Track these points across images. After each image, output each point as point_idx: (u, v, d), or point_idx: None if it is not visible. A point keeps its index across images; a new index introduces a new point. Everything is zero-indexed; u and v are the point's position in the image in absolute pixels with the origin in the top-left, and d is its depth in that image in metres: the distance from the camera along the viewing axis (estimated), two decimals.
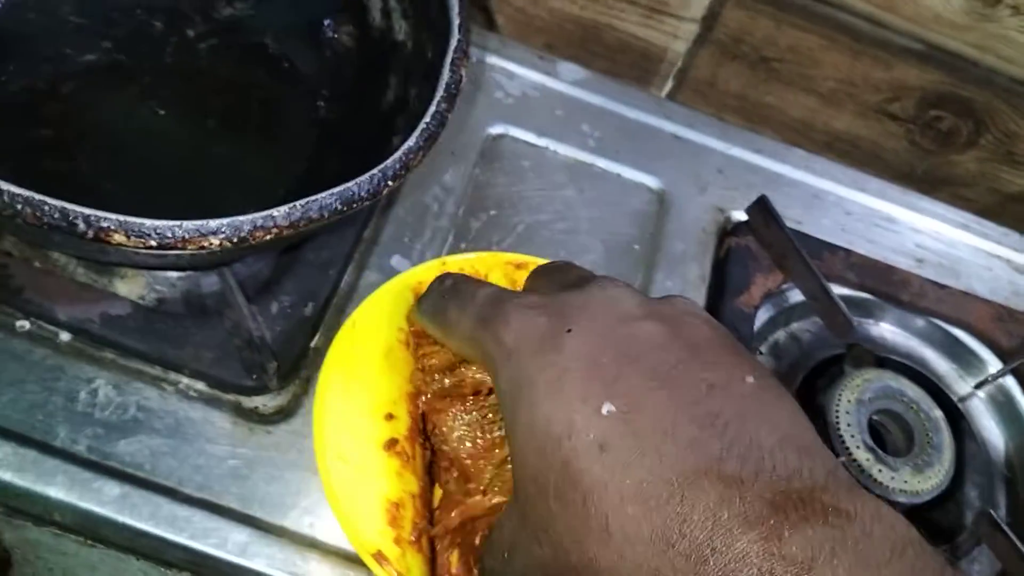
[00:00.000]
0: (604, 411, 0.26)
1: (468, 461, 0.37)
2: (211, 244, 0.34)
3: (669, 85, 0.76)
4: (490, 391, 0.38)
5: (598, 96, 0.62)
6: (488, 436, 0.37)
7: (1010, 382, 0.57)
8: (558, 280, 0.34)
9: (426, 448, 0.41)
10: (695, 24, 0.69)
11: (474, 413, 0.38)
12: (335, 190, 0.36)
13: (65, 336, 0.44)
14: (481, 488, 0.37)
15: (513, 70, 0.61)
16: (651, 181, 0.59)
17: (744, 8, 0.67)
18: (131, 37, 0.50)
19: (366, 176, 0.37)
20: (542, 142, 0.59)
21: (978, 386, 0.57)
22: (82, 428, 0.41)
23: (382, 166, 0.38)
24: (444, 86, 0.41)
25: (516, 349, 0.29)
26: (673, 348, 0.28)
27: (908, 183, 0.77)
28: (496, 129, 0.58)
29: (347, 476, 0.38)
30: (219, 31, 0.51)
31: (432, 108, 0.40)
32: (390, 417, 0.39)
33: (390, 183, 0.38)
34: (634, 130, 0.61)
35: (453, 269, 0.44)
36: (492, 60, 0.61)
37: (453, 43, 0.43)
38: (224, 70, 0.51)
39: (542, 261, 0.45)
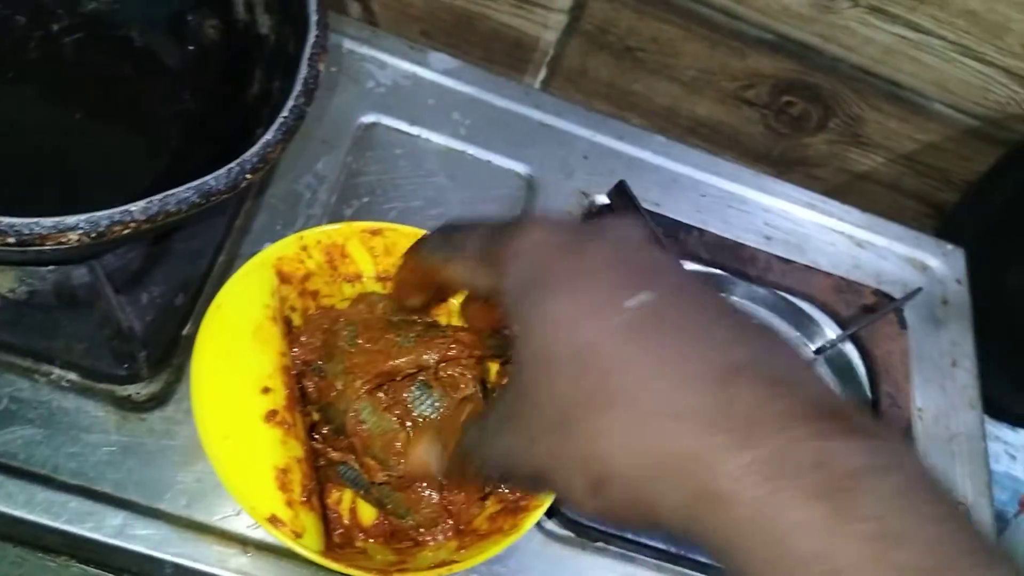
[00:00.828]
0: (629, 303, 0.26)
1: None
2: (69, 240, 0.36)
3: (543, 74, 0.79)
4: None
5: (469, 85, 0.64)
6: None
7: (849, 349, 0.63)
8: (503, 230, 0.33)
9: (306, 414, 0.43)
10: (563, 15, 0.72)
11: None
12: (192, 184, 0.38)
13: None
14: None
15: (385, 60, 0.63)
16: (520, 167, 0.62)
17: (608, 0, 0.71)
18: None
19: (224, 170, 0.39)
20: (414, 130, 0.61)
21: (818, 351, 0.62)
22: None
23: (240, 159, 0.39)
24: (302, 80, 0.43)
25: (532, 251, 0.29)
26: (686, 275, 0.29)
27: (765, 165, 0.82)
28: (369, 118, 0.60)
29: (233, 451, 0.40)
30: (84, 25, 0.52)
31: (290, 102, 0.42)
32: (266, 390, 0.42)
33: (248, 176, 0.40)
34: (504, 118, 0.64)
35: (311, 241, 0.47)
36: (364, 50, 0.63)
37: (311, 38, 0.44)
38: (90, 64, 0.51)
39: (397, 226, 0.48)
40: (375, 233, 0.48)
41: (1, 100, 0.49)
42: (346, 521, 0.44)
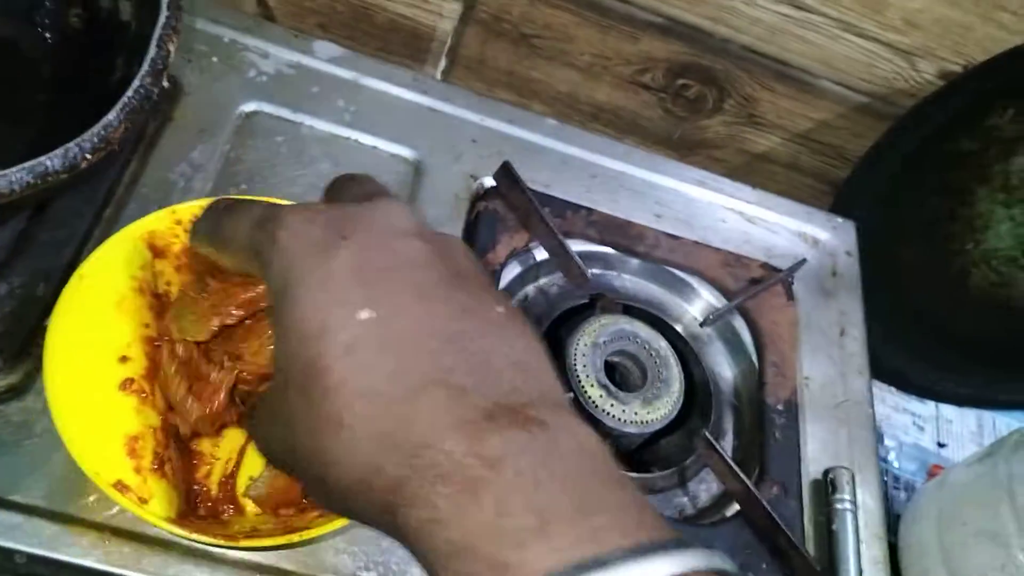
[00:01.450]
0: (360, 316, 0.27)
1: None
2: None
3: (443, 64, 0.79)
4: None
5: (354, 72, 0.64)
6: None
7: (739, 322, 0.64)
8: (351, 192, 0.34)
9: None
10: (458, 3, 0.73)
11: None
12: (26, 164, 0.37)
13: None
14: None
15: (268, 49, 0.63)
16: (407, 152, 0.62)
17: None
18: None
19: (60, 149, 0.38)
20: (297, 118, 0.61)
21: (704, 323, 0.63)
22: None
23: (78, 139, 0.39)
24: (150, 61, 0.43)
25: (288, 248, 0.29)
26: (436, 268, 0.29)
27: (667, 149, 0.83)
28: (249, 107, 0.60)
29: (81, 417, 0.39)
30: None
31: (136, 83, 0.42)
32: (124, 359, 0.42)
33: (88, 156, 0.39)
34: (392, 104, 0.64)
35: (185, 215, 0.46)
36: (246, 40, 0.62)
37: (161, 19, 0.44)
38: None
39: (273, 199, 0.48)
40: None
41: None
42: (214, 494, 0.43)
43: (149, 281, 0.45)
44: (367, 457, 0.26)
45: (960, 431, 0.87)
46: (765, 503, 0.51)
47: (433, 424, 0.25)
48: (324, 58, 0.64)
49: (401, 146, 0.62)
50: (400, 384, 0.26)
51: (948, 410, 0.87)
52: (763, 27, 0.71)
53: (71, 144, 0.39)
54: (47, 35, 0.51)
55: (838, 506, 0.55)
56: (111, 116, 0.40)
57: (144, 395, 0.41)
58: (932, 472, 0.83)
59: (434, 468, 0.24)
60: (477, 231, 0.60)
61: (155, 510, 0.39)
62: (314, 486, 0.28)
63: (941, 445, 0.86)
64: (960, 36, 0.70)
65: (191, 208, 0.47)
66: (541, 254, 0.61)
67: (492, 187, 0.62)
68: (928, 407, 0.87)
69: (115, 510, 0.43)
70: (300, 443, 0.28)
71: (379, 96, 0.64)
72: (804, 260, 0.64)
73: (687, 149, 0.83)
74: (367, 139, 0.62)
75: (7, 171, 0.37)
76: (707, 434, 0.54)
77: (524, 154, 0.65)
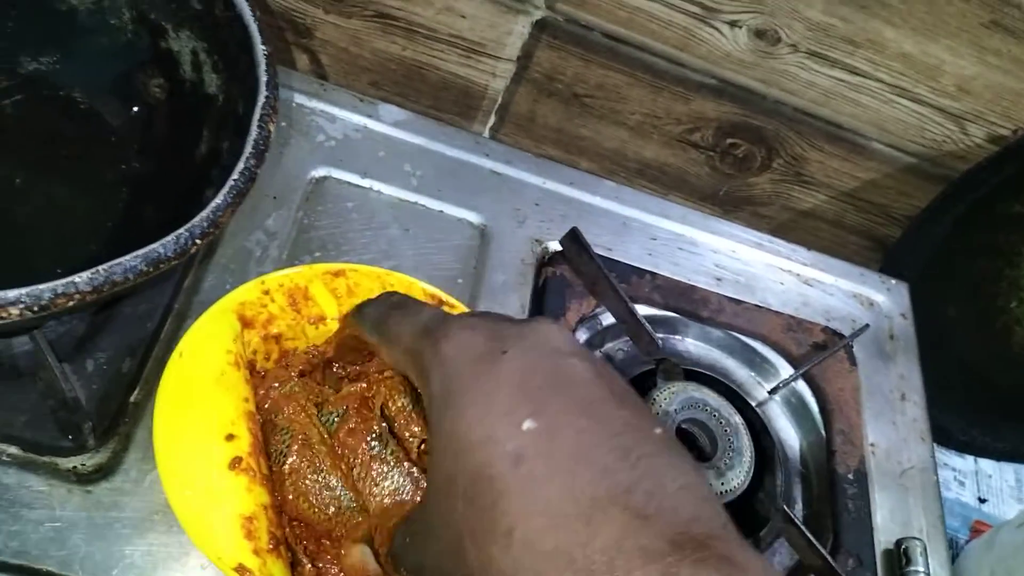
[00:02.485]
0: (525, 427, 0.27)
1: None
2: (10, 315, 0.35)
3: (492, 120, 0.79)
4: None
5: (419, 136, 0.64)
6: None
7: (802, 386, 0.64)
8: (413, 314, 0.35)
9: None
10: (512, 63, 0.73)
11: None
12: (139, 252, 0.37)
13: None
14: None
15: (334, 113, 0.63)
16: (473, 216, 0.62)
17: (554, 49, 0.72)
18: None
19: (172, 236, 0.38)
20: (366, 183, 0.60)
21: (773, 391, 0.63)
22: None
23: (189, 225, 0.39)
24: (252, 143, 0.43)
25: (453, 359, 0.30)
26: (597, 385, 0.29)
27: (712, 205, 0.83)
28: (319, 172, 0.60)
29: (196, 500, 0.39)
30: (25, 86, 0.51)
31: (240, 165, 0.42)
32: (231, 437, 0.41)
33: (198, 242, 0.39)
34: (455, 168, 0.64)
35: (273, 285, 0.47)
36: (313, 104, 0.62)
37: (261, 99, 0.44)
38: (32, 125, 0.50)
39: (359, 267, 0.48)
40: (337, 274, 0.48)
41: None
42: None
43: (242, 354, 0.45)
44: (540, 573, 0.25)
45: (999, 486, 0.87)
46: None
47: (617, 549, 0.25)
48: (389, 122, 0.64)
49: (466, 210, 0.62)
50: (575, 499, 0.26)
51: (987, 465, 0.88)
52: (817, 90, 0.71)
53: (182, 231, 0.38)
54: (131, 107, 0.51)
55: None
56: (219, 199, 0.40)
57: (253, 473, 0.41)
58: (974, 528, 0.83)
59: None
60: (546, 297, 0.59)
61: None
62: None
63: (982, 500, 0.86)
64: (1011, 102, 0.71)
65: (278, 279, 0.47)
66: (607, 319, 0.61)
67: (558, 252, 0.62)
68: (967, 462, 0.88)
69: None
70: (464, 554, 0.27)
71: (443, 160, 0.64)
72: (867, 326, 0.64)
73: (732, 205, 0.83)
74: (434, 204, 0.62)
75: (121, 260, 0.37)
76: (785, 508, 0.53)
77: (585, 217, 0.65)
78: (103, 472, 0.44)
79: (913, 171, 0.77)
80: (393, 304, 0.35)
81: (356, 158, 0.61)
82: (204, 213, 0.39)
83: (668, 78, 0.73)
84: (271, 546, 0.39)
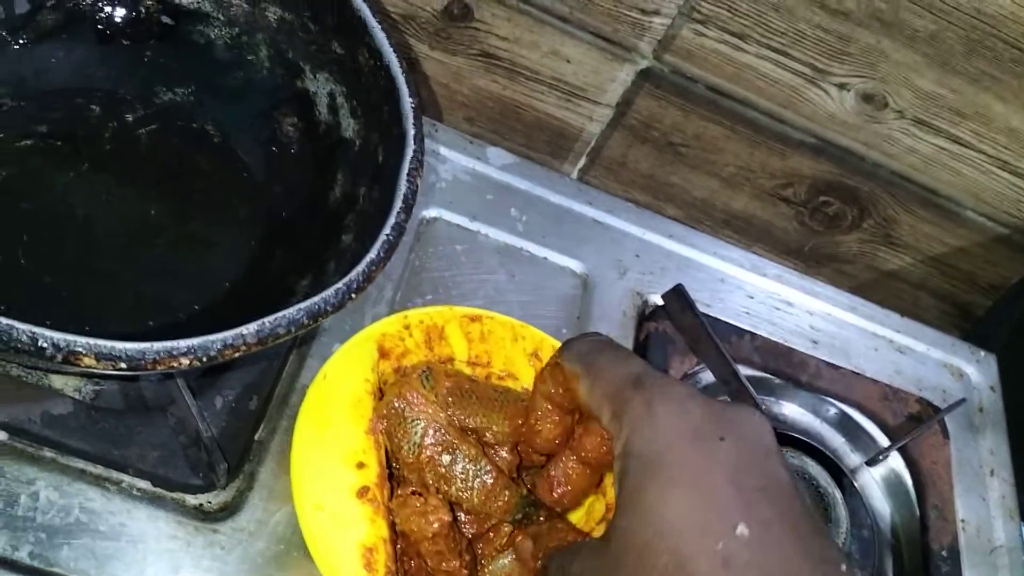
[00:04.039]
0: (739, 531, 0.27)
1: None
2: (181, 364, 0.35)
3: (582, 162, 0.80)
4: None
5: (525, 180, 0.64)
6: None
7: (896, 458, 0.63)
8: (617, 364, 0.35)
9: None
10: (610, 109, 0.73)
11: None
12: (302, 306, 0.37)
13: (2, 436, 0.42)
14: None
15: (445, 154, 0.63)
16: (575, 265, 0.62)
17: (655, 98, 0.72)
18: (68, 121, 0.49)
19: (331, 290, 0.38)
20: (474, 226, 0.61)
21: (869, 463, 0.62)
22: (24, 533, 0.40)
23: (347, 279, 0.39)
24: (401, 197, 0.43)
25: (667, 425, 0.30)
26: (799, 502, 0.29)
27: (796, 258, 0.83)
28: (430, 212, 0.60)
29: (324, 524, 0.40)
30: (159, 116, 0.51)
31: (392, 219, 0.42)
32: (361, 465, 0.42)
33: (353, 296, 0.39)
34: (558, 214, 0.64)
35: (414, 321, 0.48)
36: (427, 145, 0.63)
37: (409, 153, 0.44)
38: (166, 156, 0.51)
39: (495, 315, 0.49)
40: (474, 319, 0.49)
41: (75, 193, 0.48)
42: None
43: (376, 383, 0.45)
44: None
45: None
46: None
47: None
48: (497, 165, 0.64)
49: (569, 258, 0.62)
50: None
51: None
52: (918, 157, 0.71)
53: (340, 284, 0.39)
54: (265, 144, 0.52)
55: None
56: (374, 255, 0.40)
57: (377, 505, 0.41)
58: None
59: None
60: (648, 353, 0.59)
61: None
62: None
63: None
64: None
65: (419, 315, 0.48)
66: (707, 377, 0.61)
67: (659, 306, 0.62)
68: None
69: None
70: None
71: (546, 205, 0.65)
72: (963, 400, 0.64)
73: (815, 261, 0.83)
74: (538, 250, 0.62)
75: (284, 313, 0.37)
76: None
77: (684, 270, 0.65)
78: (228, 511, 0.45)
79: (1005, 242, 0.76)
80: (604, 344, 0.35)
81: (465, 200, 0.61)
82: (360, 268, 0.39)
83: (767, 133, 0.72)
84: None
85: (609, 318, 0.61)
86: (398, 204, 0.42)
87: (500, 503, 0.43)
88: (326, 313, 0.38)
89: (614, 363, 0.34)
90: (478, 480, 0.43)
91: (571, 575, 0.32)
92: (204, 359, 0.35)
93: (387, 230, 0.41)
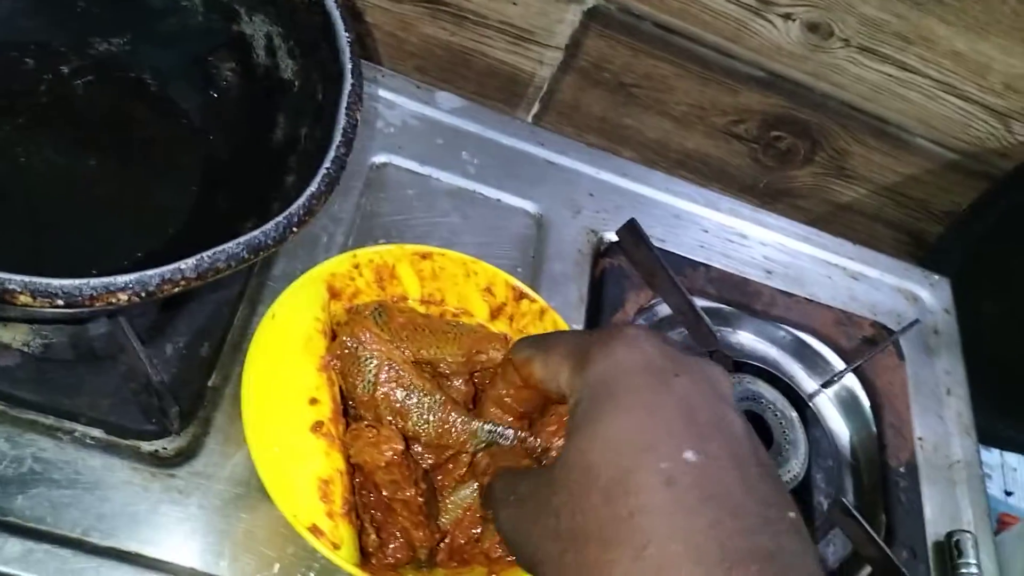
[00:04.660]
0: (686, 455, 0.27)
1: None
2: (119, 300, 0.35)
3: (536, 108, 0.79)
4: None
5: (475, 124, 0.64)
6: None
7: (852, 380, 0.64)
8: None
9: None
10: (559, 52, 0.73)
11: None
12: (242, 240, 0.37)
13: None
14: None
15: (393, 100, 0.63)
16: (529, 206, 0.62)
17: (604, 38, 0.71)
18: (1, 75, 0.48)
19: (271, 224, 0.38)
20: (425, 170, 0.61)
21: (825, 385, 0.63)
22: None
23: (287, 213, 0.39)
24: (341, 131, 0.42)
25: (625, 359, 0.30)
26: (748, 447, 0.29)
27: (751, 196, 0.84)
28: (380, 158, 0.60)
29: (278, 459, 0.40)
30: (95, 68, 0.50)
31: (331, 153, 0.41)
32: (314, 402, 0.42)
33: (295, 229, 0.39)
34: (510, 156, 0.64)
35: (363, 260, 0.48)
36: (372, 90, 0.62)
37: (347, 87, 0.44)
38: (103, 108, 0.50)
39: (446, 251, 0.49)
40: (424, 257, 0.49)
41: (12, 147, 0.47)
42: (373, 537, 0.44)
43: (328, 323, 0.45)
44: None
45: None
46: (903, 569, 0.52)
47: None
48: (446, 109, 0.64)
49: (523, 199, 0.62)
50: (720, 543, 0.26)
51: (1012, 458, 0.89)
52: (866, 85, 0.72)
53: (280, 218, 0.38)
54: (203, 91, 0.51)
55: (964, 571, 0.55)
56: (314, 187, 0.40)
57: (332, 438, 0.42)
58: (1001, 520, 0.84)
59: None
60: (604, 288, 0.60)
61: (345, 556, 0.39)
62: None
63: (1008, 493, 0.87)
64: None
65: (368, 254, 0.48)
66: (663, 310, 0.62)
67: (614, 243, 0.62)
68: (993, 455, 0.88)
69: None
70: (577, 544, 0.27)
71: (498, 148, 0.64)
72: (917, 321, 0.65)
73: (770, 197, 0.84)
74: (491, 192, 0.62)
75: (224, 247, 0.36)
76: (843, 500, 0.54)
77: (638, 207, 0.65)
78: (184, 456, 0.45)
79: (955, 168, 0.77)
80: (550, 332, 0.36)
81: (415, 145, 0.61)
82: (301, 201, 0.39)
83: (717, 69, 0.73)
84: (344, 510, 0.40)
85: (564, 256, 0.61)
86: (337, 138, 0.42)
87: (456, 435, 0.43)
88: (267, 247, 0.38)
89: (567, 335, 0.35)
90: (433, 413, 0.43)
91: (517, 494, 0.32)
92: (143, 294, 0.35)
93: (327, 163, 0.41)
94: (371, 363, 0.43)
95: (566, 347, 0.33)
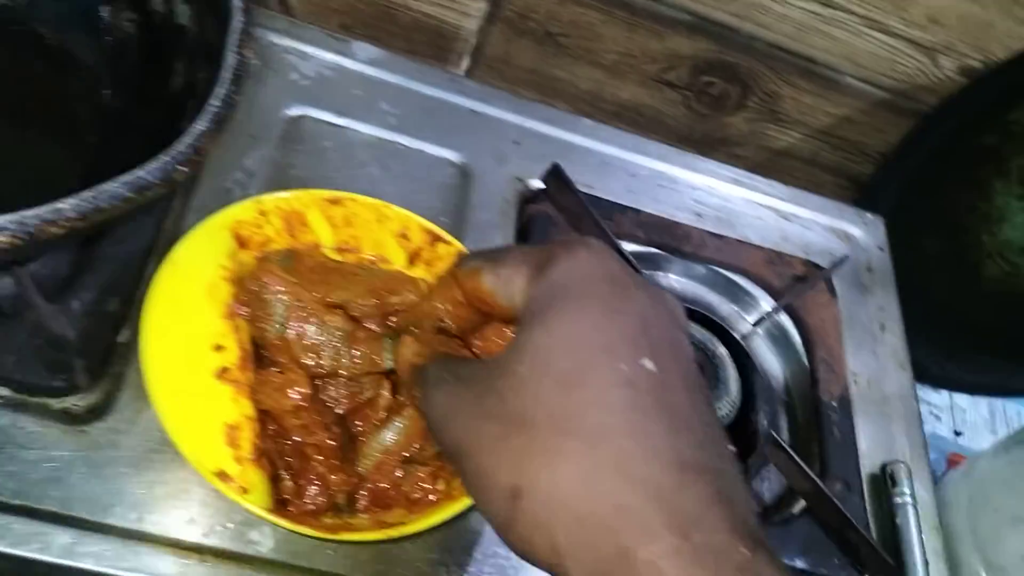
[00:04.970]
0: (645, 363, 0.27)
1: None
2: None
3: (466, 63, 0.78)
4: None
5: (394, 74, 0.63)
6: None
7: (785, 319, 0.64)
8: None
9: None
10: (484, 2, 0.72)
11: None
12: (124, 178, 0.36)
13: None
14: None
15: (307, 51, 0.61)
16: (452, 155, 0.62)
17: None
18: None
19: (155, 162, 0.37)
20: (342, 122, 0.59)
21: (756, 324, 0.63)
22: None
23: (171, 151, 0.38)
24: (230, 68, 0.41)
25: (589, 264, 0.30)
26: (697, 374, 0.30)
27: (688, 146, 0.83)
28: (295, 111, 0.58)
29: (182, 406, 0.39)
30: None
31: (219, 90, 0.40)
32: (219, 348, 0.42)
33: (181, 168, 0.38)
34: (432, 107, 0.63)
35: (269, 207, 0.47)
36: (285, 42, 0.61)
37: (235, 24, 0.43)
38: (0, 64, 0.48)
39: (357, 196, 0.48)
40: (335, 202, 0.48)
41: None
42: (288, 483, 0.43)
43: (236, 272, 0.44)
44: (613, 489, 0.25)
45: (974, 420, 0.89)
46: (836, 500, 0.52)
47: (706, 507, 0.25)
48: (363, 60, 0.63)
49: (447, 149, 0.62)
50: (676, 450, 0.26)
51: (961, 399, 0.89)
52: (791, 24, 0.71)
53: (164, 155, 0.37)
54: (100, 42, 0.50)
55: (898, 500, 0.56)
56: (200, 125, 0.39)
57: (239, 385, 0.41)
58: (951, 460, 0.85)
59: (697, 554, 0.24)
60: (530, 235, 0.59)
61: (255, 500, 0.38)
62: (504, 484, 0.26)
63: (958, 433, 0.88)
64: (981, 33, 0.71)
65: (275, 200, 0.47)
66: None
67: (540, 190, 0.62)
68: (943, 396, 0.89)
69: (213, 531, 0.42)
70: (523, 429, 0.27)
71: (420, 99, 0.63)
72: (846, 257, 0.65)
73: (708, 146, 0.84)
74: (413, 143, 0.61)
75: (105, 186, 0.36)
76: (774, 434, 0.54)
77: (565, 155, 0.65)
78: (96, 412, 0.43)
79: (886, 106, 0.77)
80: (501, 247, 0.36)
81: (332, 97, 0.60)
82: (186, 139, 0.38)
83: (643, 14, 0.72)
84: (253, 456, 0.40)
85: (490, 205, 0.60)
86: (226, 75, 0.41)
87: (373, 358, 0.42)
88: (152, 186, 0.37)
89: (520, 247, 0.35)
90: (347, 344, 0.43)
91: (457, 375, 0.31)
92: (22, 236, 0.34)
93: (214, 101, 0.40)
94: (278, 306, 0.43)
95: (522, 255, 0.32)
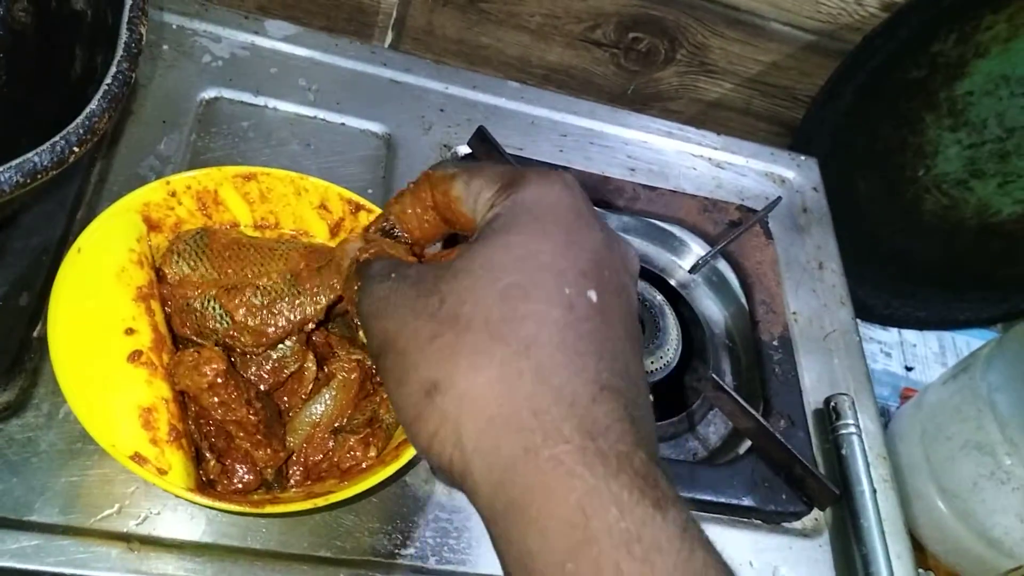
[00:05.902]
0: (590, 294, 0.28)
1: None
2: None
3: (390, 37, 0.77)
4: None
5: (311, 50, 0.62)
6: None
7: (722, 264, 0.64)
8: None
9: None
10: None
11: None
12: (13, 163, 0.35)
13: None
14: None
15: (220, 32, 0.60)
16: (376, 127, 0.61)
17: None
18: None
19: (47, 145, 0.36)
20: (260, 101, 0.58)
21: (692, 270, 0.63)
22: None
23: (64, 132, 0.37)
24: (124, 45, 0.40)
25: (557, 193, 0.30)
26: (635, 319, 0.31)
27: (622, 105, 0.83)
28: (209, 93, 0.57)
29: (93, 392, 0.39)
30: None
31: (113, 69, 0.40)
32: (130, 332, 0.41)
33: (75, 150, 0.37)
34: (352, 79, 0.62)
35: (179, 187, 0.46)
36: (196, 25, 0.60)
37: (129, 1, 0.42)
38: None
39: (272, 170, 0.47)
40: (248, 178, 0.47)
41: None
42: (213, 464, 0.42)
43: (147, 254, 0.43)
44: (534, 393, 0.26)
45: (924, 354, 0.90)
46: (779, 436, 0.52)
47: (617, 420, 0.26)
48: (278, 37, 0.62)
49: (369, 121, 0.61)
50: (597, 370, 0.27)
51: (911, 335, 0.90)
52: None
53: (56, 138, 0.36)
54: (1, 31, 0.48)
55: (843, 431, 0.56)
56: (94, 105, 0.38)
57: (154, 367, 0.40)
58: (903, 395, 0.86)
59: (604, 456, 0.25)
60: None
61: (174, 480, 0.37)
62: (422, 378, 0.27)
63: (909, 369, 0.89)
64: None
65: (184, 180, 0.46)
66: None
67: (467, 155, 0.61)
68: (892, 334, 0.90)
69: (141, 519, 0.41)
70: (457, 330, 0.27)
71: (339, 72, 0.62)
72: (779, 199, 0.65)
73: (641, 103, 0.83)
74: (334, 117, 0.60)
75: None
76: (714, 376, 0.54)
77: (493, 119, 0.64)
78: (12, 409, 0.43)
79: (812, 48, 0.77)
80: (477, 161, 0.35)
81: (247, 76, 0.59)
82: (79, 119, 0.37)
83: None
84: (171, 438, 0.39)
85: (416, 173, 0.58)
86: (119, 53, 0.40)
87: (332, 283, 0.42)
88: (44, 170, 0.36)
89: (499, 164, 0.34)
90: (296, 288, 0.42)
91: (400, 273, 0.31)
92: None
93: (108, 79, 0.39)
94: (208, 303, 0.42)
95: (496, 173, 0.32)
